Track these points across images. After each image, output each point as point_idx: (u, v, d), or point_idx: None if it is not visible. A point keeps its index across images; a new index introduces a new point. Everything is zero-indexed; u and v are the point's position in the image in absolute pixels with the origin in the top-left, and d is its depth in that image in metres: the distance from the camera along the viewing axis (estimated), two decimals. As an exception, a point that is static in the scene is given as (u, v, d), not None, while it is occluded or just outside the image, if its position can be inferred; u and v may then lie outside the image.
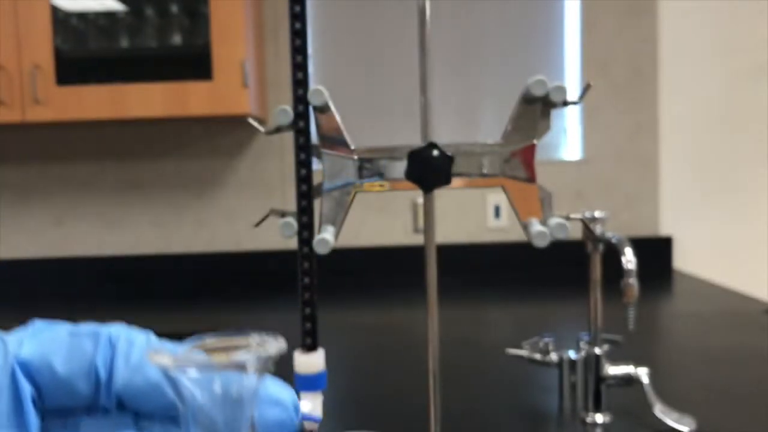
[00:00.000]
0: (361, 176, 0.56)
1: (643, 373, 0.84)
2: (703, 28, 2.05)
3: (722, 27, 2.05)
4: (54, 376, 0.37)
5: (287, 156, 2.05)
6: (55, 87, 1.77)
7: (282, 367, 0.38)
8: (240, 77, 1.76)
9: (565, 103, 0.56)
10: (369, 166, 0.56)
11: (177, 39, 1.86)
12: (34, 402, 0.37)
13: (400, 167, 0.56)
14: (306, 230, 0.53)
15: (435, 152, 0.55)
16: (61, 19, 1.82)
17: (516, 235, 2.06)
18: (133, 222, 2.11)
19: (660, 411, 0.83)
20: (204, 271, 2.09)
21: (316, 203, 0.55)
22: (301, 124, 0.53)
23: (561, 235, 0.55)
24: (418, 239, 2.04)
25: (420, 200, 2.00)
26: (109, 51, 1.90)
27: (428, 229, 0.59)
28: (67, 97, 1.78)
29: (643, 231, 2.09)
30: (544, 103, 0.55)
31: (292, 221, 0.55)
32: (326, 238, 0.53)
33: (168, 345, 0.39)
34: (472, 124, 2.08)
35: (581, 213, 0.74)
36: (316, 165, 0.54)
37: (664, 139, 2.08)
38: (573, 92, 0.51)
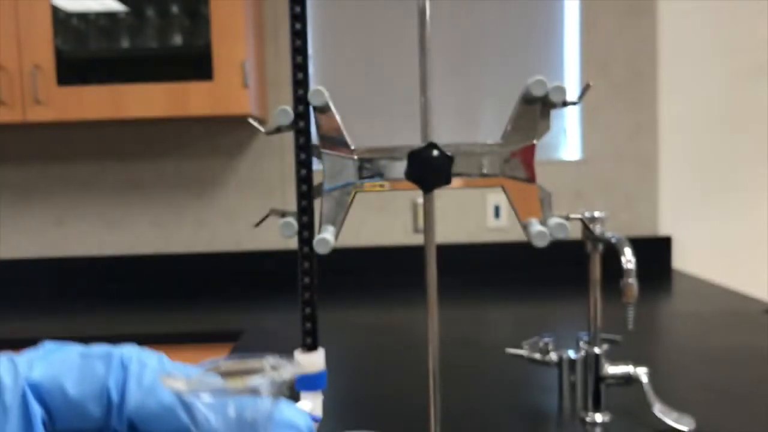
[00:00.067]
0: (361, 176, 0.57)
1: (642, 373, 0.84)
2: (703, 28, 2.06)
3: (722, 27, 2.05)
4: (65, 398, 0.37)
5: (287, 156, 2.06)
6: (55, 87, 1.77)
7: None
8: (240, 77, 1.76)
9: (565, 103, 0.56)
10: (369, 166, 0.56)
11: (177, 39, 1.86)
12: (44, 425, 0.37)
13: (400, 167, 0.56)
14: (306, 230, 0.54)
15: (435, 152, 0.55)
16: (61, 20, 1.82)
17: (516, 235, 2.06)
18: (134, 222, 2.11)
19: (659, 411, 0.83)
20: (204, 271, 2.09)
21: (316, 203, 0.55)
22: (302, 124, 0.53)
23: (560, 235, 0.55)
24: (418, 239, 2.04)
25: (420, 200, 2.00)
26: (110, 51, 1.90)
27: (428, 229, 0.59)
28: (67, 97, 1.78)
29: (643, 231, 2.09)
30: (543, 104, 0.56)
31: (292, 221, 0.55)
32: (326, 238, 0.54)
33: (181, 367, 0.38)
34: (472, 124, 2.08)
35: (581, 213, 0.74)
36: (316, 165, 0.54)
37: (664, 139, 2.08)
38: (572, 92, 0.51)
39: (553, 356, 0.91)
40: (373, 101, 2.07)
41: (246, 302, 1.84)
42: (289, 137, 0.53)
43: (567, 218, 0.57)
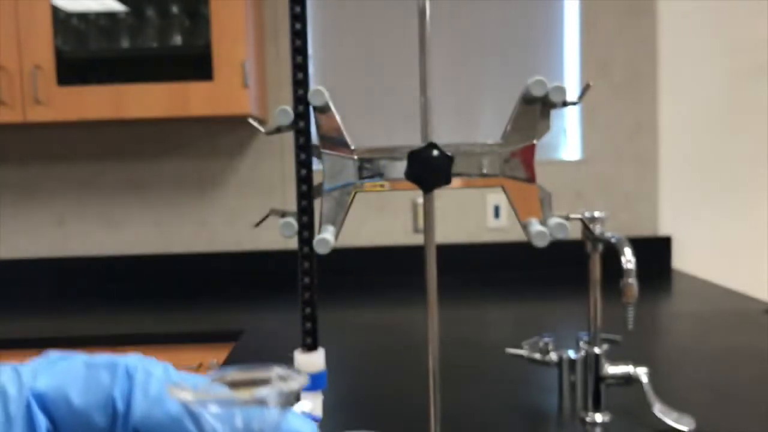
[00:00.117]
0: (361, 176, 0.57)
1: (642, 373, 0.84)
2: (703, 28, 2.06)
3: (722, 27, 2.05)
4: (70, 408, 0.37)
5: (287, 156, 2.06)
6: (55, 87, 1.77)
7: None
8: (240, 78, 1.76)
9: (565, 104, 0.56)
10: (369, 166, 0.56)
11: (177, 39, 1.86)
12: None
13: (400, 167, 0.56)
14: (306, 230, 0.54)
15: (435, 152, 0.55)
16: (61, 20, 1.82)
17: (516, 235, 2.06)
18: (134, 222, 2.11)
19: (659, 410, 0.83)
20: (204, 271, 2.09)
21: (317, 203, 0.55)
22: (302, 124, 0.53)
23: (560, 235, 0.55)
24: (418, 239, 2.04)
25: (420, 200, 2.01)
26: (110, 51, 1.90)
27: (428, 229, 0.59)
28: (67, 97, 1.78)
29: (643, 231, 2.09)
30: (543, 104, 0.56)
31: (292, 221, 0.55)
32: (326, 238, 0.54)
33: (187, 377, 0.38)
34: (472, 124, 2.08)
35: (581, 213, 0.74)
36: (316, 165, 0.54)
37: (664, 139, 2.08)
38: (572, 92, 0.51)
39: (553, 356, 0.91)
40: (373, 101, 2.07)
41: (246, 302, 1.84)
42: (289, 137, 0.53)
43: (567, 218, 0.57)
